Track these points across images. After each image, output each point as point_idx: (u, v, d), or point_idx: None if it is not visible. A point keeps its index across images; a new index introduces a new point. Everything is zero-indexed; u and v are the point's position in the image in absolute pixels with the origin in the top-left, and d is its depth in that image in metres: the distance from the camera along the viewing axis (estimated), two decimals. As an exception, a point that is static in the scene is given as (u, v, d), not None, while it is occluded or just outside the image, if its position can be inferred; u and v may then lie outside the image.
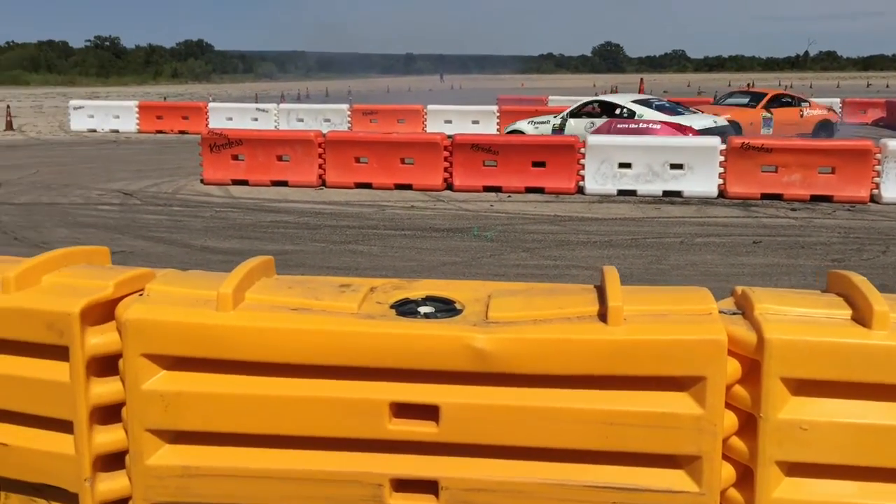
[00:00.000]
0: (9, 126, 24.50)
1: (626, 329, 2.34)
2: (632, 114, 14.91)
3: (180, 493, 2.55)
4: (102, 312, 2.64)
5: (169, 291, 2.64)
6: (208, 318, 2.48)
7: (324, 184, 12.92)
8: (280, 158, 13.14)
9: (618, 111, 15.18)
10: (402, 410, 2.47)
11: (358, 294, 2.67)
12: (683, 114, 15.33)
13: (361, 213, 10.65)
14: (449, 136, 12.93)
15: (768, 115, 18.30)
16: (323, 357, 2.46)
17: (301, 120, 23.02)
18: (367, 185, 12.70)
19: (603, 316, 2.39)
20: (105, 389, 2.61)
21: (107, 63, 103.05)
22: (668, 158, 11.80)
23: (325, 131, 13.85)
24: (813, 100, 21.05)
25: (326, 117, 22.92)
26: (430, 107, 23.13)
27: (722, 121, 15.59)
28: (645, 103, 15.46)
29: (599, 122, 14.98)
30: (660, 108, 15.21)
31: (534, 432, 2.40)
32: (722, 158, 11.65)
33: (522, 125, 16.25)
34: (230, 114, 23.55)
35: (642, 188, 11.89)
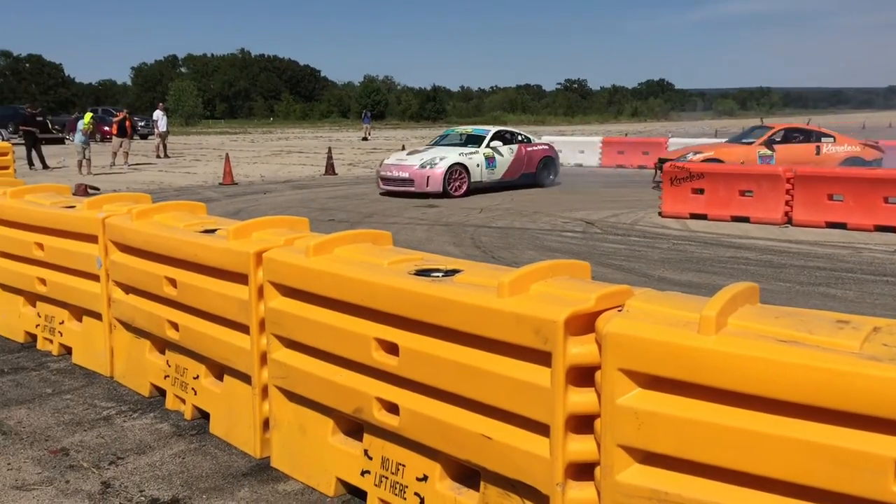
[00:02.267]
0: (489, 160, 27.51)
1: None
2: (528, 139, 18.83)
3: (646, 515, 2.48)
4: (583, 324, 2.70)
5: (649, 309, 2.61)
6: (689, 339, 2.39)
7: (789, 221, 12.10)
8: (742, 193, 12.64)
9: (521, 138, 18.56)
10: (911, 473, 2.10)
11: (859, 332, 2.35)
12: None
13: (833, 254, 9.71)
14: (946, 174, 11.23)
15: (767, 151, 16.75)
16: (815, 397, 2.20)
17: (763, 155, 21.94)
18: (841, 225, 11.58)
19: None
20: (580, 399, 2.67)
21: (574, 103, 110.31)
22: None
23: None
24: (845, 135, 18.35)
25: (792, 153, 21.51)
26: (918, 142, 20.41)
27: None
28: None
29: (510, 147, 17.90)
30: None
31: None
32: None
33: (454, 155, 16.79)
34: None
35: None
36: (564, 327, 2.63)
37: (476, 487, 3.00)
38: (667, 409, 2.43)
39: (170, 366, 4.62)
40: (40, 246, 5.60)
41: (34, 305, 5.87)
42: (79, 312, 5.44)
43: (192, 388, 4.44)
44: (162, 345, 4.73)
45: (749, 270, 8.75)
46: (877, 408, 2.11)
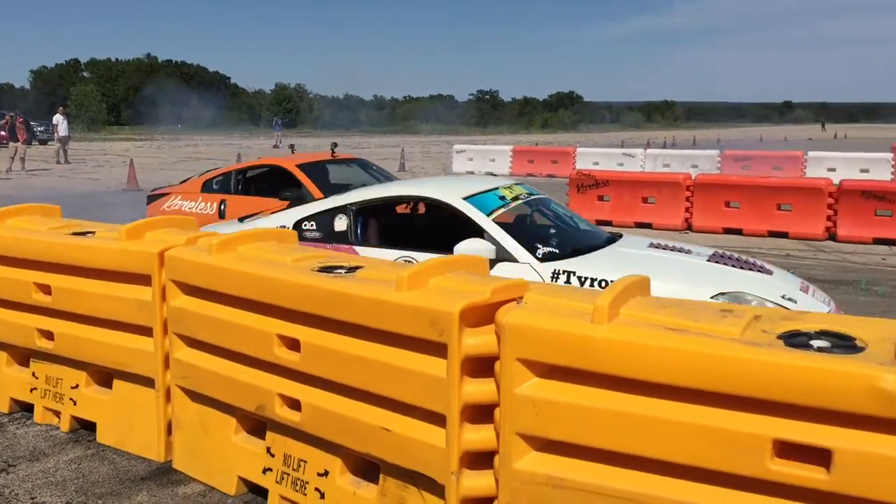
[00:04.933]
0: (401, 167, 27.54)
1: None
2: None
3: (542, 501, 2.54)
4: (479, 316, 2.75)
5: (546, 301, 2.68)
6: (583, 328, 2.46)
7: (689, 228, 12.55)
8: (645, 200, 13.05)
9: None
10: (786, 450, 2.21)
11: (741, 320, 2.48)
12: None
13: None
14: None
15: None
16: (699, 381, 2.30)
17: (667, 165, 22.69)
18: (737, 231, 12.09)
19: None
20: (476, 389, 2.71)
21: (485, 114, 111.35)
22: None
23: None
24: None
25: (694, 163, 22.29)
26: (811, 153, 21.44)
27: None
28: None
29: None
30: None
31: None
32: None
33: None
34: (597, 158, 24.01)
35: None
36: (459, 319, 2.67)
37: (376, 481, 3.01)
38: (562, 396, 2.50)
39: (37, 377, 4.38)
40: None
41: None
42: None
43: (71, 399, 4.22)
44: (24, 356, 4.48)
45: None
46: (756, 390, 2.22)
